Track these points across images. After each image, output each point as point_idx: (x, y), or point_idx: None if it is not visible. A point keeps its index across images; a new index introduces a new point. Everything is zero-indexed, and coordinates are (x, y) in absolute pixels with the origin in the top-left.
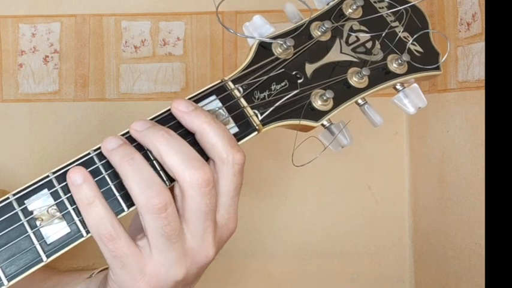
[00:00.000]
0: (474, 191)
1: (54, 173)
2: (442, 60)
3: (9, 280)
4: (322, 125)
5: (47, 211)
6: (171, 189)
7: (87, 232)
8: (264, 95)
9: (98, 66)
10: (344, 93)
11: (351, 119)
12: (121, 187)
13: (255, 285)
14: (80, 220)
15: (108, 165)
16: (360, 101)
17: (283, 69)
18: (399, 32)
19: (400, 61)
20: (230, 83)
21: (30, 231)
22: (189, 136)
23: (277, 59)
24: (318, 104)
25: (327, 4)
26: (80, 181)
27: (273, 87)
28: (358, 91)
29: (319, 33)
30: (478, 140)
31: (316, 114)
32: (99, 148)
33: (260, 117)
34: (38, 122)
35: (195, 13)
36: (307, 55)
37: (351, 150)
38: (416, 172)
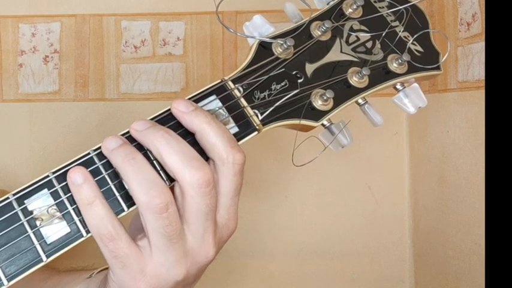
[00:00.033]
0: (474, 191)
1: (54, 172)
2: (443, 60)
3: (9, 280)
4: (323, 124)
5: (47, 211)
6: (171, 190)
7: (87, 232)
8: (264, 95)
9: (98, 66)
10: (344, 93)
11: (351, 118)
12: (121, 187)
13: (255, 285)
14: (79, 220)
15: (108, 165)
16: (360, 101)
17: (283, 69)
18: (399, 31)
19: (400, 61)
20: (230, 83)
21: (30, 231)
22: (189, 136)
23: (277, 58)
24: (318, 103)
25: (327, 4)
26: (80, 181)
27: (273, 87)
28: (358, 91)
29: (320, 33)
30: (478, 140)
31: (317, 114)
32: (99, 148)
33: (260, 117)
34: (38, 122)
35: (195, 13)
36: (307, 55)
37: (351, 150)
38: (416, 172)
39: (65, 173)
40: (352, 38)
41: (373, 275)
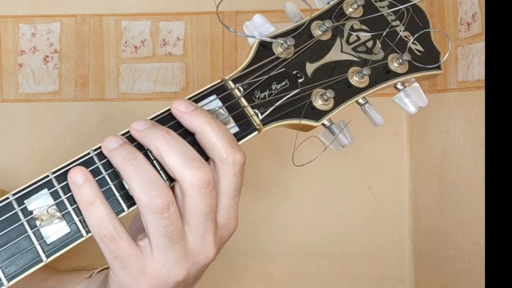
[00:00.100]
0: (474, 191)
1: (54, 172)
2: (443, 59)
3: (9, 280)
4: (323, 124)
5: (47, 211)
6: (171, 190)
7: (87, 232)
8: (265, 95)
9: (98, 66)
10: (345, 92)
11: (351, 118)
12: (121, 187)
13: (255, 285)
14: (79, 220)
15: (108, 165)
16: (360, 101)
17: (283, 69)
18: (400, 31)
19: (401, 60)
20: (230, 83)
21: (30, 231)
22: (189, 136)
23: (277, 58)
24: (318, 103)
25: (328, 3)
26: (81, 181)
27: (273, 87)
28: (358, 90)
29: (320, 33)
30: (478, 140)
31: (317, 114)
32: (99, 148)
33: (260, 117)
34: (38, 122)
35: (195, 13)
36: (307, 54)
37: (351, 150)
38: (416, 172)
39: (65, 173)
40: (353, 38)
41: (373, 275)
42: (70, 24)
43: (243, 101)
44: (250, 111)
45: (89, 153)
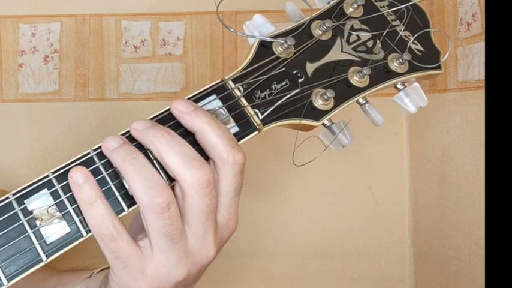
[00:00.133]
0: (474, 191)
1: (53, 172)
2: (443, 59)
3: (9, 280)
4: (323, 124)
5: (47, 211)
6: (171, 189)
7: (87, 232)
8: (265, 94)
9: (98, 66)
10: (345, 92)
11: (351, 118)
12: (121, 187)
13: (255, 285)
14: (79, 220)
15: (108, 165)
16: (360, 100)
17: (283, 69)
18: (400, 31)
19: (401, 60)
20: (230, 82)
21: (30, 231)
22: (189, 136)
23: (277, 58)
24: (318, 103)
25: (328, 3)
26: (81, 181)
27: (273, 87)
28: (359, 90)
29: (320, 32)
30: (478, 140)
31: (317, 114)
32: (99, 148)
33: (261, 117)
34: (38, 122)
35: (195, 13)
36: (307, 54)
37: (351, 150)
38: (416, 172)
39: (65, 172)
40: (353, 37)
41: (373, 275)
42: (70, 24)
43: (243, 101)
44: (250, 111)
45: (89, 153)
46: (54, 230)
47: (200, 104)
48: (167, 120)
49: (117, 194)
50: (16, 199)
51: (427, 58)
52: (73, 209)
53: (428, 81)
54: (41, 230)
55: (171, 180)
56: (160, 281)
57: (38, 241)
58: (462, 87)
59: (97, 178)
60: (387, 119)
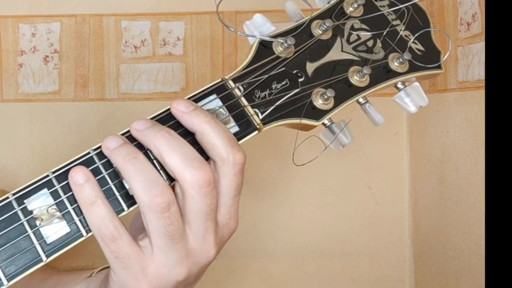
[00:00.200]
0: (474, 191)
1: (53, 172)
2: (444, 58)
3: (8, 280)
4: (323, 124)
5: (47, 211)
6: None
7: (87, 232)
8: (265, 94)
9: (98, 66)
10: (345, 92)
11: (351, 118)
12: (121, 186)
13: (255, 285)
14: (79, 220)
15: (108, 165)
16: (361, 100)
17: (283, 68)
18: (400, 30)
19: (401, 60)
20: (230, 82)
21: (29, 231)
22: (189, 136)
23: (278, 57)
24: (318, 103)
25: (328, 3)
26: (82, 181)
27: (273, 86)
28: (359, 90)
29: (320, 32)
30: (478, 140)
31: (317, 113)
32: (99, 147)
33: (261, 116)
34: (38, 122)
35: (195, 13)
36: (308, 54)
37: (351, 150)
38: (416, 172)
39: (65, 172)
40: (353, 37)
41: (373, 275)
42: (70, 24)
43: (243, 101)
44: (250, 110)
45: (89, 153)
46: (54, 229)
47: (200, 103)
48: (167, 120)
49: (117, 193)
50: (16, 199)
51: (427, 58)
52: (73, 208)
53: (428, 81)
54: (41, 229)
55: (171, 180)
56: (160, 281)
57: (38, 241)
58: (462, 87)
59: (97, 178)
60: (387, 119)
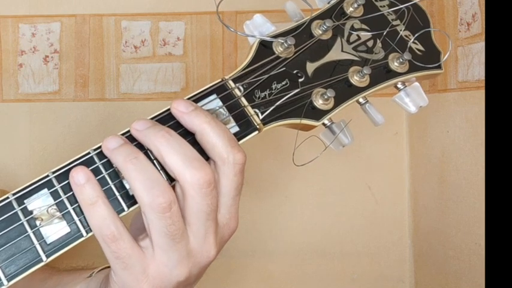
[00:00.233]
0: (474, 191)
1: (54, 172)
2: (444, 59)
3: (9, 280)
4: (323, 124)
5: (47, 211)
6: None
7: (87, 232)
8: (265, 94)
9: (98, 66)
10: (345, 92)
11: (351, 118)
12: (121, 187)
13: (255, 285)
14: (79, 220)
15: (109, 165)
16: (361, 100)
17: (284, 68)
18: (400, 30)
19: (401, 60)
20: (231, 82)
21: (30, 231)
22: (189, 136)
23: (278, 57)
24: (319, 103)
25: (328, 3)
26: (83, 181)
27: (273, 86)
28: (359, 90)
29: (320, 32)
30: (478, 140)
31: (317, 113)
32: (99, 147)
33: (261, 117)
34: (38, 122)
35: (195, 13)
36: (308, 54)
37: (351, 150)
38: (416, 172)
39: (65, 172)
40: (353, 37)
41: (373, 275)
42: (70, 24)
43: (243, 101)
44: (250, 110)
45: (89, 153)
46: (54, 230)
47: (200, 103)
48: (167, 120)
49: (117, 193)
50: (16, 199)
51: (428, 58)
52: (73, 208)
53: (428, 81)
54: (41, 230)
55: (171, 180)
56: (161, 281)
57: (38, 241)
58: (462, 87)
59: (97, 178)
60: (387, 119)
